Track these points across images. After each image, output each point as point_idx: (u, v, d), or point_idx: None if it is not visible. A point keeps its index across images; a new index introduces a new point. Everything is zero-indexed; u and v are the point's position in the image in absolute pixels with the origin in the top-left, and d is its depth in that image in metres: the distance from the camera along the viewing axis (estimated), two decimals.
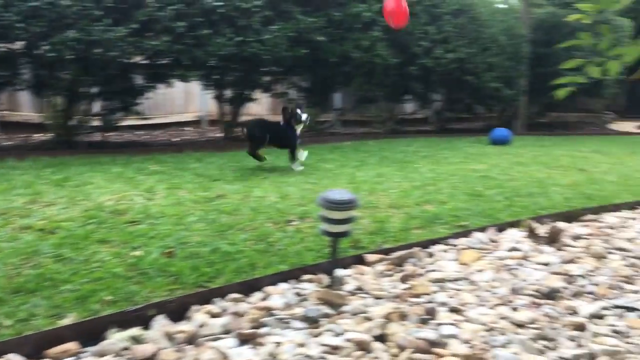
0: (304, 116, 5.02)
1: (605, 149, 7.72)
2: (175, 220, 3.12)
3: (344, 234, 2.24)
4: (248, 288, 2.21)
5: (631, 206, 3.99)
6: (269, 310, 2.06)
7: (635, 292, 2.48)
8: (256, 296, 2.19)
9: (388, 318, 2.04)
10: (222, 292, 2.14)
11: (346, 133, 9.44)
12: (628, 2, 1.74)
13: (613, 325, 2.13)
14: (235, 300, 2.12)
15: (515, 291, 2.43)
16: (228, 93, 7.37)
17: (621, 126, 12.63)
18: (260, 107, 10.16)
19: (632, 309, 2.30)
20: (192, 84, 7.53)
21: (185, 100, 9.58)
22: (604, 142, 8.85)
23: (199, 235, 2.89)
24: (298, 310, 2.07)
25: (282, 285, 2.30)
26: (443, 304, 2.27)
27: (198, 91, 8.79)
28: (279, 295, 2.19)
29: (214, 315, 2.00)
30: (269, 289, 2.24)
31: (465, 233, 3.11)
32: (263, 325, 1.97)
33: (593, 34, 1.92)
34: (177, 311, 2.00)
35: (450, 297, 2.34)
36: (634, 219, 3.70)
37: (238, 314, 2.01)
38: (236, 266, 2.48)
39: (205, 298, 2.08)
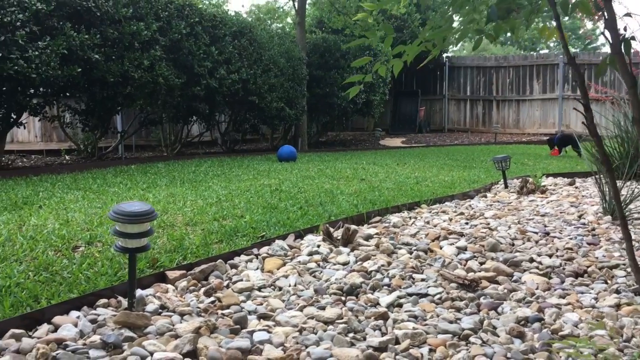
0: None
1: (380, 161, 8.42)
2: None
3: (142, 249, 2.07)
4: (32, 322, 1.92)
5: (409, 207, 4.38)
6: (60, 343, 1.80)
7: (424, 280, 2.69)
8: (43, 329, 1.90)
9: (197, 333, 1.92)
10: None
11: (131, 157, 8.98)
12: (407, 2, 1.89)
13: (410, 311, 2.27)
14: (16, 337, 1.82)
15: (319, 292, 2.47)
16: None
17: (390, 142, 13.95)
18: (30, 132, 9.22)
19: (424, 294, 2.48)
20: None
21: None
22: (378, 155, 9.66)
23: None
24: (95, 338, 1.84)
25: (74, 314, 2.03)
26: (252, 312, 2.21)
27: None
28: (71, 324, 1.93)
29: None
30: (58, 319, 1.96)
31: (267, 242, 3.10)
32: (55, 359, 1.71)
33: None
34: None
35: (259, 305, 2.30)
36: (414, 217, 4.05)
37: (22, 352, 1.72)
38: (14, 300, 2.15)
39: None
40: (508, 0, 1.57)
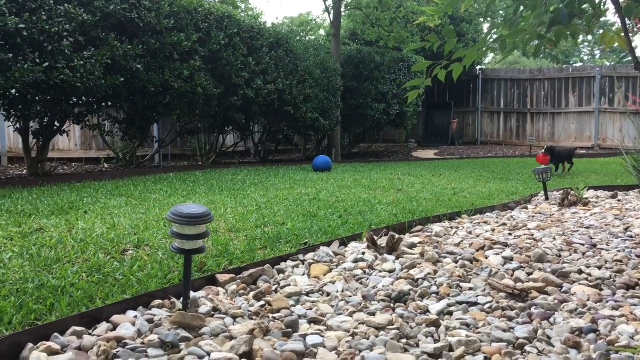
0: None
1: (414, 172, 8.39)
2: None
3: (198, 251, 2.10)
4: (91, 320, 1.95)
5: (450, 217, 4.35)
6: (120, 341, 1.83)
7: (472, 289, 2.66)
8: (102, 327, 1.94)
9: (252, 334, 1.93)
10: (59, 327, 1.86)
11: (167, 166, 9.11)
12: (470, 5, 1.91)
13: (461, 319, 2.25)
14: (78, 334, 1.86)
15: (367, 298, 2.47)
16: (34, 125, 6.69)
17: (422, 154, 13.88)
18: (70, 141, 9.42)
19: (474, 303, 2.46)
20: None
21: None
22: (412, 166, 9.63)
23: (19, 271, 2.51)
24: (153, 337, 1.87)
25: (131, 314, 2.07)
26: (303, 317, 2.22)
27: None
28: (129, 323, 1.96)
29: (54, 353, 1.72)
30: (116, 318, 2.00)
31: (312, 248, 3.12)
32: (116, 357, 1.74)
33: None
34: (9, 353, 1.68)
35: (309, 310, 2.31)
36: (456, 227, 4.02)
37: (84, 349, 1.76)
38: (71, 300, 2.19)
39: (41, 334, 1.78)
40: (573, 4, 1.56)
